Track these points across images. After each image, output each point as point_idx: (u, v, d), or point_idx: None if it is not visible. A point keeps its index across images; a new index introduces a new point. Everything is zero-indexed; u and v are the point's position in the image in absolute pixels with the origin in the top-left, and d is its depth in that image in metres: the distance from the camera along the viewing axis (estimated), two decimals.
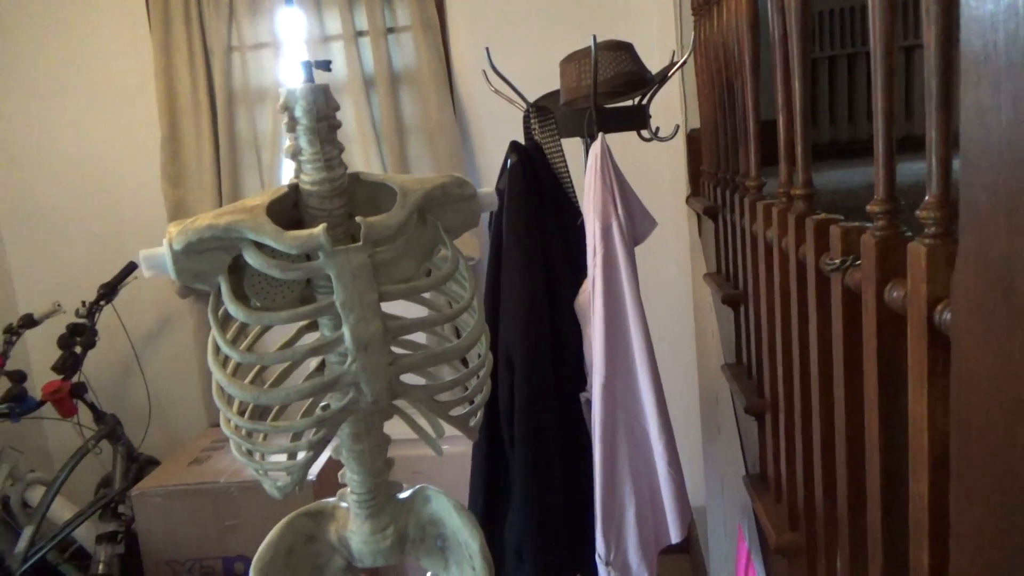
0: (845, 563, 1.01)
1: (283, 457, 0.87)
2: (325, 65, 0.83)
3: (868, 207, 0.84)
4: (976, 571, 0.57)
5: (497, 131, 2.64)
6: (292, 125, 0.81)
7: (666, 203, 2.41)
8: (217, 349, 0.84)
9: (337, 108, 0.83)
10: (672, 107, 2.33)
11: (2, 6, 2.79)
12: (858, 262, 0.90)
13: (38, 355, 2.89)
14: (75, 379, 2.44)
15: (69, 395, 2.38)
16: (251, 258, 0.78)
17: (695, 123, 2.21)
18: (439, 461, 2.51)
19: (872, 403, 0.86)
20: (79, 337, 2.45)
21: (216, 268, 0.80)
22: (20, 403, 2.29)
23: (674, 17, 2.20)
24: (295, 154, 0.82)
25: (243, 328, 0.86)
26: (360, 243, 0.79)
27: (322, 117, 0.81)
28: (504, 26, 2.63)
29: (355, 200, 0.88)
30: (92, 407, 2.48)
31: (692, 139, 2.22)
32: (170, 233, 0.77)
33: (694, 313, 2.50)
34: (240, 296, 0.84)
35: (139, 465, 2.50)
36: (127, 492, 2.34)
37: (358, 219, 0.80)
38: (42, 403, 2.38)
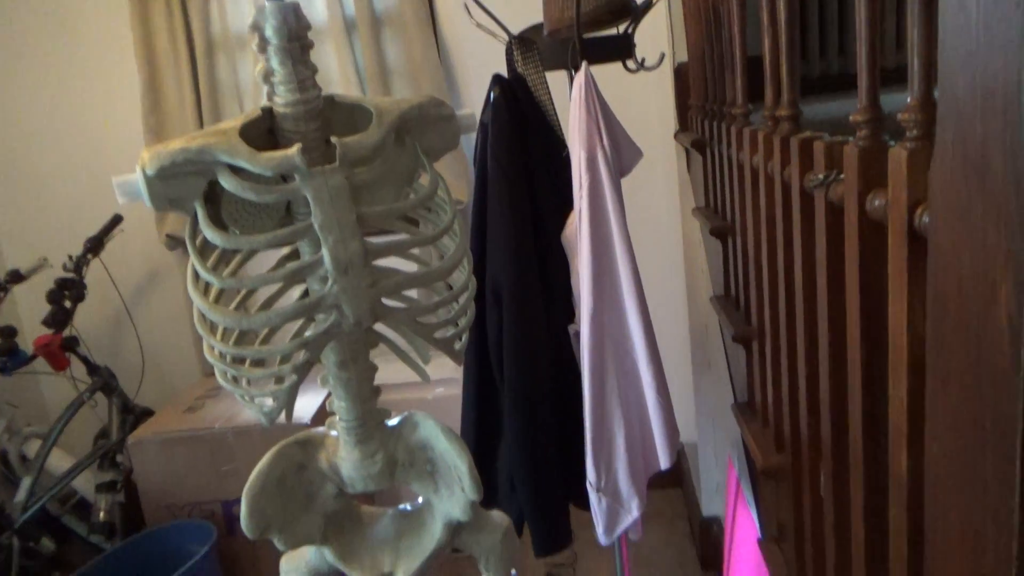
0: (828, 478, 1.03)
1: (270, 383, 0.88)
2: None
3: (851, 117, 0.83)
4: (951, 458, 0.58)
5: (482, 71, 2.58)
6: (263, 46, 0.79)
7: (654, 139, 2.39)
8: (197, 276, 0.83)
9: (309, 27, 0.81)
10: (659, 38, 2.30)
11: None
12: (841, 176, 0.90)
13: (27, 310, 2.88)
14: (66, 333, 2.44)
15: (61, 348, 2.38)
16: (226, 182, 0.77)
17: (682, 55, 2.18)
18: (431, 404, 2.54)
19: (854, 315, 0.87)
20: (68, 291, 2.45)
21: (191, 193, 0.79)
22: (11, 357, 2.29)
23: None
24: (267, 76, 0.81)
25: (223, 257, 0.85)
26: (336, 164, 0.78)
27: (293, 37, 0.79)
28: None
29: (332, 124, 0.87)
30: (85, 360, 2.48)
31: (680, 73, 2.19)
32: (143, 158, 0.76)
33: (683, 249, 2.50)
34: (218, 224, 0.83)
35: (135, 416, 2.52)
36: (124, 442, 2.36)
37: (333, 139, 0.79)
38: (34, 357, 2.38)
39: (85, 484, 2.42)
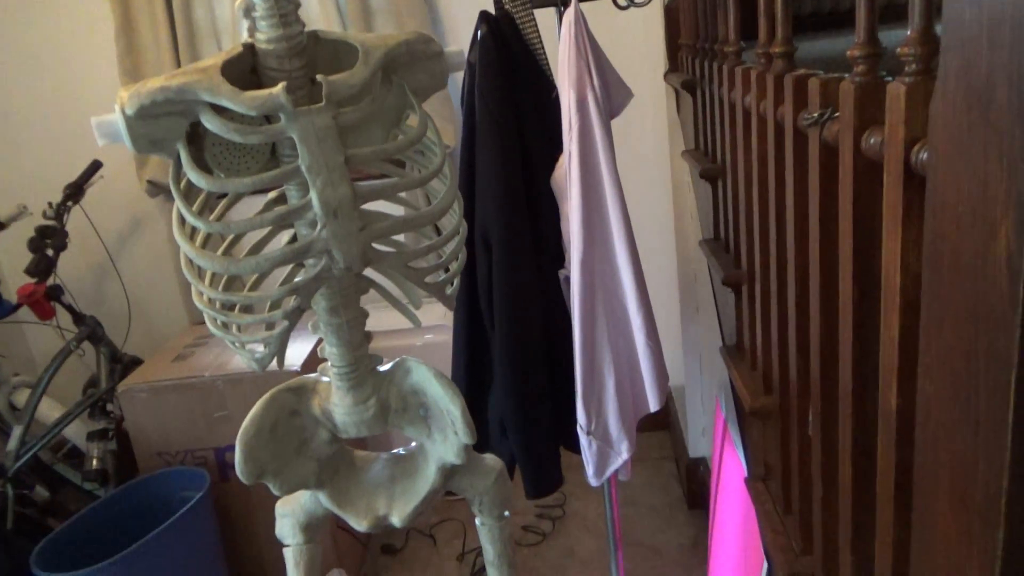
0: (816, 418, 1.04)
1: (261, 329, 0.87)
2: None
3: (848, 52, 0.81)
4: (944, 394, 0.59)
5: (468, 8, 2.52)
6: None
7: (643, 79, 2.34)
8: (183, 221, 0.81)
9: None
10: None
11: None
12: (836, 114, 0.88)
13: (8, 259, 2.84)
14: (50, 281, 2.41)
15: (45, 297, 2.36)
16: (209, 122, 0.75)
17: None
18: (422, 351, 2.54)
19: (847, 255, 0.86)
20: (49, 239, 2.40)
21: (173, 134, 0.76)
22: None
23: None
24: (248, 10, 0.78)
25: (208, 202, 0.84)
26: (323, 103, 0.76)
27: None
28: None
29: (316, 62, 0.84)
30: (70, 309, 2.46)
31: (670, 11, 2.14)
32: (121, 98, 0.73)
33: (672, 192, 2.48)
34: (202, 166, 0.81)
35: (123, 365, 2.51)
36: (114, 391, 2.36)
37: (319, 77, 0.76)
38: (18, 306, 2.35)
39: (76, 433, 2.42)
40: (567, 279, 1.52)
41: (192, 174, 0.76)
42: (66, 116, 2.76)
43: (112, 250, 2.78)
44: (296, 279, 0.89)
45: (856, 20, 0.81)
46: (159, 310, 2.91)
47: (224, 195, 0.85)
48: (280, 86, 0.74)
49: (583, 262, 1.42)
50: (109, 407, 2.41)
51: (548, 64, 1.58)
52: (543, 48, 1.57)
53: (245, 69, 0.82)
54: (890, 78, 0.78)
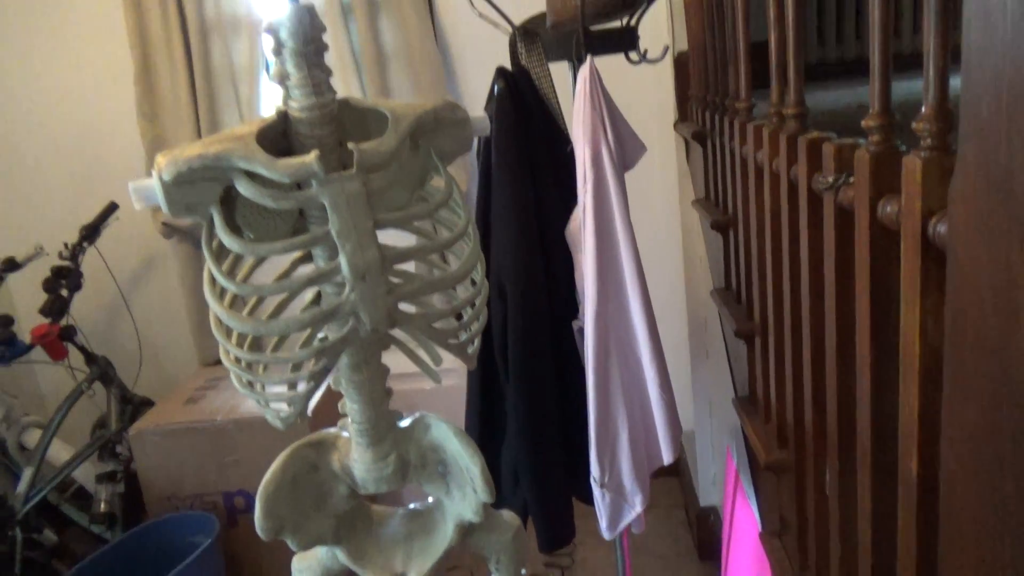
0: (834, 476, 1.04)
1: (284, 388, 0.88)
2: None
3: (863, 122, 0.84)
4: (969, 472, 0.59)
5: (480, 58, 2.58)
6: (278, 49, 0.79)
7: (653, 129, 2.38)
8: (213, 281, 0.83)
9: (323, 30, 0.80)
10: (659, 28, 2.29)
11: None
12: (851, 179, 0.90)
13: (23, 299, 2.87)
14: (63, 322, 2.43)
15: (59, 338, 2.37)
16: (243, 187, 0.77)
17: (683, 45, 2.17)
18: (434, 395, 2.55)
19: (864, 318, 0.88)
20: (64, 279, 2.43)
21: (207, 199, 0.78)
22: (9, 347, 2.28)
23: None
24: (282, 79, 0.80)
25: (238, 261, 0.85)
26: (354, 170, 0.78)
27: (309, 40, 0.78)
28: None
29: (345, 127, 0.86)
30: (83, 349, 2.48)
31: (680, 63, 2.18)
32: (159, 163, 0.76)
33: (682, 240, 2.50)
34: (232, 227, 0.83)
35: (133, 406, 2.52)
36: (124, 432, 2.36)
37: (350, 145, 0.78)
38: (32, 346, 2.37)
39: (84, 474, 2.42)
40: (581, 330, 1.54)
41: (225, 238, 0.78)
42: (84, 157, 2.80)
43: (125, 290, 2.81)
44: (318, 336, 0.90)
45: (870, 91, 0.83)
46: (171, 351, 2.92)
47: None
48: (313, 154, 0.76)
49: (597, 314, 1.44)
50: (118, 448, 2.41)
51: (563, 118, 1.62)
52: (558, 101, 1.61)
53: (277, 134, 0.84)
54: (904, 148, 0.80)
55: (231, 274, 0.84)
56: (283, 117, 0.82)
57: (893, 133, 0.83)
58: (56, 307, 2.39)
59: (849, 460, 0.98)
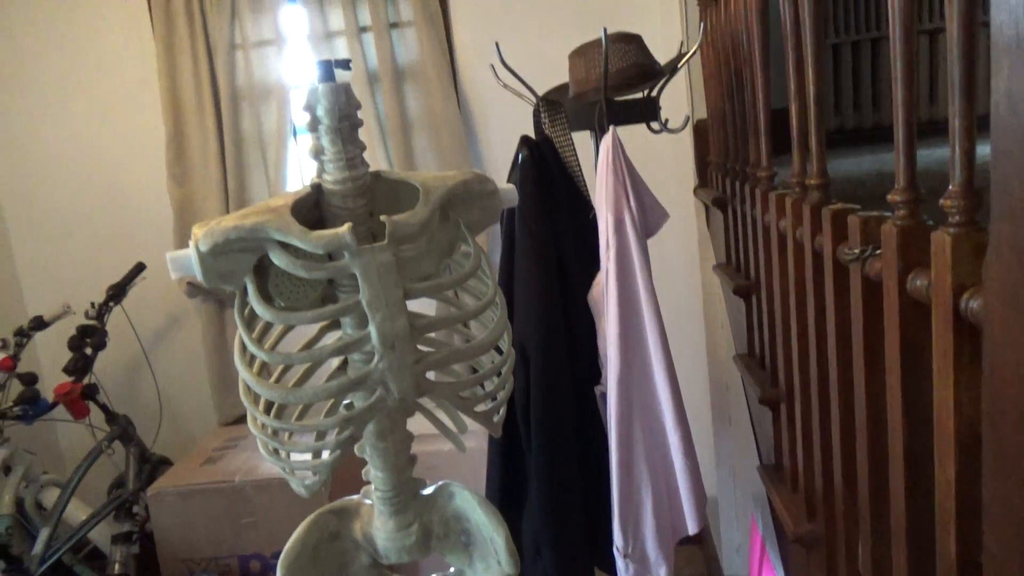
0: (867, 552, 1.01)
1: (308, 456, 0.88)
2: (345, 64, 0.83)
3: (889, 197, 0.84)
4: (1014, 555, 0.58)
5: (501, 124, 2.64)
6: (314, 124, 0.81)
7: (673, 194, 2.41)
8: (244, 348, 0.84)
9: (358, 107, 0.83)
10: (678, 97, 2.33)
11: (6, 7, 2.78)
12: (878, 251, 0.90)
13: (48, 357, 2.90)
14: (86, 380, 2.45)
15: (81, 396, 2.39)
16: (277, 258, 0.78)
17: (701, 113, 2.21)
18: (454, 456, 2.52)
19: (895, 390, 0.86)
20: (89, 338, 2.46)
21: (242, 269, 0.80)
22: (33, 405, 2.29)
23: (679, 7, 2.20)
24: (317, 153, 0.83)
25: (267, 327, 0.87)
26: (385, 241, 0.80)
27: (344, 116, 0.81)
28: (506, 19, 2.63)
29: (375, 198, 0.88)
30: (104, 408, 2.49)
31: (699, 129, 2.22)
32: (196, 235, 0.78)
33: (703, 304, 2.50)
34: (264, 295, 0.84)
35: (152, 465, 2.51)
36: (140, 492, 2.35)
37: (383, 217, 0.80)
38: (54, 405, 2.38)
39: (99, 534, 2.40)
40: (603, 396, 1.53)
41: (258, 307, 0.79)
42: (113, 217, 2.87)
43: (147, 348, 2.83)
44: (343, 404, 0.91)
45: (895, 167, 0.84)
46: (190, 409, 2.92)
47: None
48: (347, 226, 0.78)
49: (620, 380, 1.43)
50: (135, 508, 2.39)
51: (585, 185, 1.64)
52: (581, 169, 1.63)
53: (309, 204, 0.86)
54: (931, 222, 0.80)
55: (261, 340, 0.85)
56: (316, 189, 0.84)
57: (919, 208, 0.84)
58: (80, 365, 2.41)
59: (883, 534, 0.96)
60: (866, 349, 0.96)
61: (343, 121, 0.81)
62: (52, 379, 2.60)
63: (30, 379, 2.37)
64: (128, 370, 2.91)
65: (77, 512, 2.41)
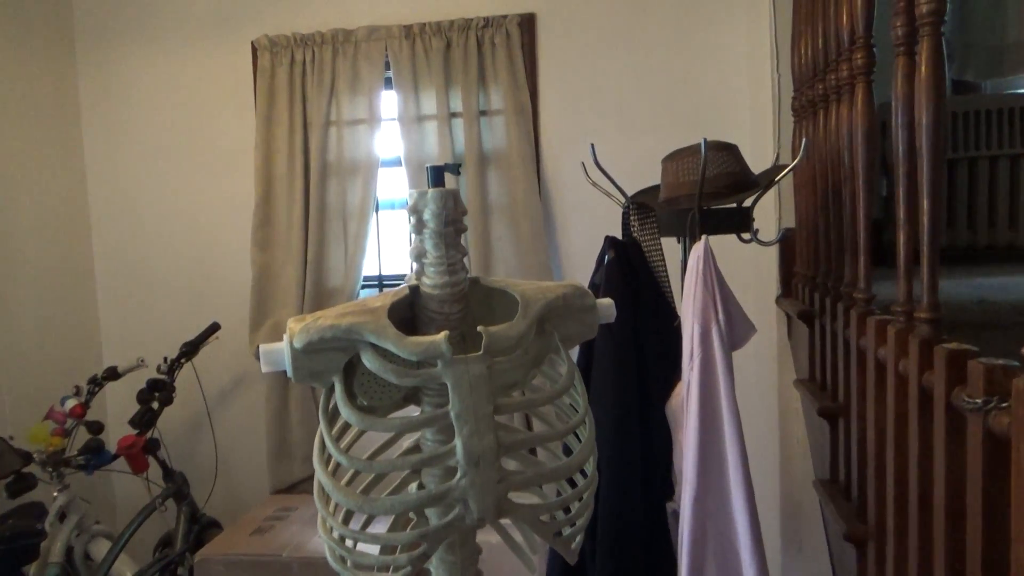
0: None
1: (375, 572, 0.83)
2: (454, 169, 0.82)
3: (1022, 351, 0.78)
4: None
5: (580, 216, 2.64)
6: (419, 228, 0.80)
7: (751, 301, 2.34)
8: (323, 447, 0.82)
9: (464, 212, 0.82)
10: (764, 204, 2.29)
11: (121, 71, 2.96)
12: (1004, 404, 0.83)
13: (116, 406, 2.95)
14: (149, 435, 2.47)
15: (143, 451, 2.40)
16: (369, 361, 0.76)
17: (788, 221, 2.16)
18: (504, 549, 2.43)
19: (1020, 563, 0.78)
20: (158, 393, 2.50)
21: (332, 368, 0.78)
22: (96, 456, 2.32)
23: (772, 117, 2.18)
24: (419, 256, 0.82)
25: (348, 427, 0.84)
26: (480, 352, 0.77)
27: (450, 222, 0.80)
28: (592, 116, 2.67)
29: (469, 302, 0.86)
30: (163, 464, 2.50)
31: (786, 239, 2.16)
32: (291, 330, 0.76)
33: (779, 419, 2.39)
34: (349, 393, 0.82)
35: (201, 527, 2.49)
36: (187, 554, 2.32)
37: (480, 328, 0.78)
38: (116, 457, 2.40)
39: None
40: (675, 513, 1.45)
41: (345, 410, 0.77)
42: (195, 277, 2.95)
43: (211, 408, 2.86)
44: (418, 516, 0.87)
45: None
46: (244, 473, 2.92)
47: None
48: (443, 335, 0.75)
49: (696, 498, 1.35)
50: (179, 571, 2.36)
51: (671, 291, 1.60)
52: (667, 275, 1.60)
53: (404, 304, 0.85)
54: None
55: (339, 439, 0.82)
56: (414, 291, 0.83)
57: None
58: (146, 419, 2.44)
59: None
60: (984, 508, 0.88)
61: (448, 226, 0.80)
62: (116, 429, 2.63)
63: (97, 428, 2.40)
64: (189, 428, 2.94)
65: (123, 568, 2.39)
